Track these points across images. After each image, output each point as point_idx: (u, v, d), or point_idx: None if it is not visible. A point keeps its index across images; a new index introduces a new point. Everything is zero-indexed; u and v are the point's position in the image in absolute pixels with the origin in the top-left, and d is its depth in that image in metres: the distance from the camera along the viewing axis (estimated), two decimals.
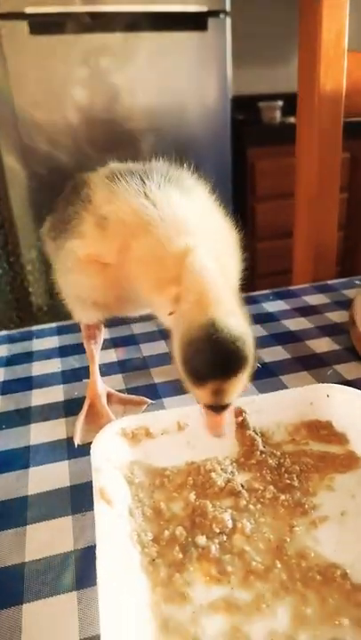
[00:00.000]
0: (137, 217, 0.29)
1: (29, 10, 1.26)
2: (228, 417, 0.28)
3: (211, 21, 1.37)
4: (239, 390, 0.27)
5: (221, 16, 1.38)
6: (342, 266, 1.64)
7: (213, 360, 0.25)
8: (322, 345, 0.46)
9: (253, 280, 1.80)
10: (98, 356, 0.40)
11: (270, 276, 1.77)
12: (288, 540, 0.26)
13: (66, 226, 0.33)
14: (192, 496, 0.29)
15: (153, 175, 0.31)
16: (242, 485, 0.29)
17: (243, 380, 0.26)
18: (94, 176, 0.34)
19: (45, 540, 0.28)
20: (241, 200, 1.71)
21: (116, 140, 1.39)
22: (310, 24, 0.51)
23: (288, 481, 0.29)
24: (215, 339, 0.25)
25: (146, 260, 0.29)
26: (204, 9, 1.35)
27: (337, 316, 0.51)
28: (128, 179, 0.31)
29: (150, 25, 1.34)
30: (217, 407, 0.27)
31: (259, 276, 1.78)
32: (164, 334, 0.49)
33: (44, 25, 1.28)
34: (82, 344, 0.48)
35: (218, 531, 0.26)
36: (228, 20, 1.40)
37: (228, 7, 1.38)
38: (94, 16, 1.29)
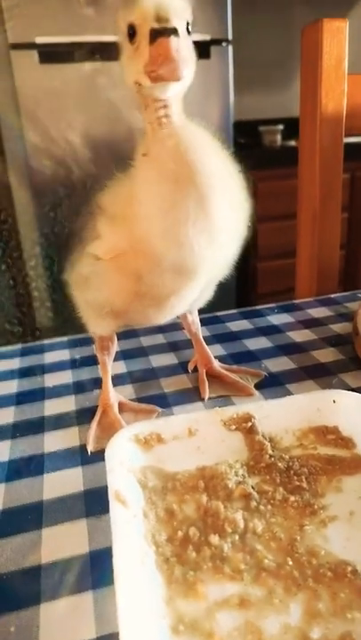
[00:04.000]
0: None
1: (39, 40, 1.31)
2: (179, 47, 0.27)
3: (214, 49, 1.42)
4: (179, 5, 0.28)
5: (224, 44, 1.43)
6: (344, 284, 1.65)
7: None
8: (327, 355, 0.46)
9: (255, 299, 1.81)
10: (110, 366, 0.42)
11: (272, 296, 1.79)
12: (299, 538, 0.27)
13: (82, 238, 0.35)
14: (204, 498, 0.29)
15: None
16: (252, 487, 0.30)
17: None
18: (103, 191, 0.35)
19: (61, 542, 0.29)
20: None
21: (120, 162, 1.43)
22: (311, 49, 0.54)
23: (297, 483, 0.30)
24: None
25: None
26: (207, 38, 1.40)
27: (341, 328, 0.52)
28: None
29: None
30: (163, 30, 0.27)
31: (260, 295, 1.80)
32: (172, 346, 0.50)
33: (54, 54, 1.33)
34: (93, 357, 0.49)
35: (230, 530, 0.27)
36: (231, 49, 1.45)
37: (230, 36, 1.43)
38: (101, 45, 1.34)
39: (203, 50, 1.41)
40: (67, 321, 0.41)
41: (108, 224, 0.33)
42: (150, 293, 0.34)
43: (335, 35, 0.52)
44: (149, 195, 0.30)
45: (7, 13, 1.29)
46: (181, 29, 0.28)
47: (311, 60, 0.54)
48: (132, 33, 0.29)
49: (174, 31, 0.27)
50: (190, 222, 0.29)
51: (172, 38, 0.27)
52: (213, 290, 0.40)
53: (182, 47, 0.27)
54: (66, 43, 1.34)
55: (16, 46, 1.31)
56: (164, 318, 0.38)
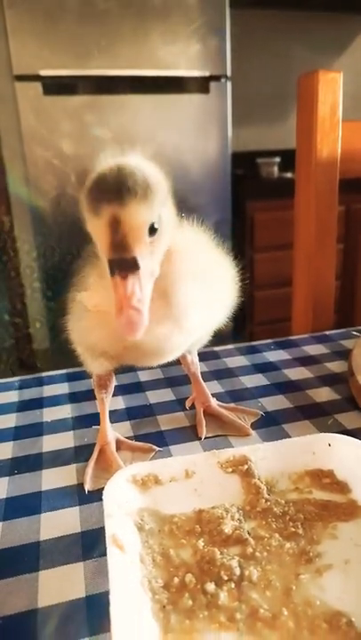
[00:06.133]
0: None
1: (44, 72, 1.35)
2: (135, 291, 0.27)
3: (213, 85, 1.46)
4: (138, 224, 0.27)
5: (223, 80, 1.47)
6: (339, 313, 1.67)
7: (107, 184, 0.27)
8: (322, 394, 0.47)
9: (252, 327, 1.83)
10: (108, 404, 0.42)
11: (268, 324, 1.81)
12: (294, 587, 0.27)
13: (76, 280, 0.36)
14: (200, 543, 0.30)
15: None
16: (248, 533, 0.30)
17: (141, 211, 0.27)
18: None
19: (58, 586, 0.29)
20: (240, 250, 1.77)
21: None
22: (307, 97, 0.56)
23: (293, 529, 0.30)
24: (112, 170, 0.27)
25: None
26: (206, 74, 1.44)
27: (336, 366, 0.53)
28: None
29: (157, 87, 1.43)
30: (121, 263, 0.27)
31: (257, 323, 1.81)
32: (170, 382, 0.51)
33: (57, 86, 1.37)
34: (91, 390, 0.49)
35: (226, 578, 0.27)
36: (229, 84, 1.49)
37: (229, 72, 1.48)
38: (105, 79, 1.38)
39: (202, 85, 1.46)
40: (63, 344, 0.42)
41: (97, 279, 0.33)
42: (136, 347, 0.35)
43: (330, 84, 0.55)
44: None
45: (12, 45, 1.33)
46: (142, 250, 0.27)
47: (307, 107, 0.56)
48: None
49: (133, 264, 0.27)
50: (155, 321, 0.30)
51: (129, 282, 0.27)
52: (210, 336, 0.41)
53: (137, 286, 0.27)
54: (71, 75, 1.38)
55: (19, 78, 1.35)
56: (158, 363, 0.39)
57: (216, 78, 1.46)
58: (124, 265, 0.27)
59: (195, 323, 0.34)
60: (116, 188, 0.27)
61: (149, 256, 0.28)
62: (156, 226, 0.28)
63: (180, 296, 0.32)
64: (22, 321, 1.53)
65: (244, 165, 1.85)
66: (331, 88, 0.55)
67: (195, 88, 1.45)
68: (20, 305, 1.51)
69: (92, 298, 0.34)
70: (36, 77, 1.34)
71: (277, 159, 1.82)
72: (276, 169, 1.82)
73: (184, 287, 0.32)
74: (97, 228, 0.27)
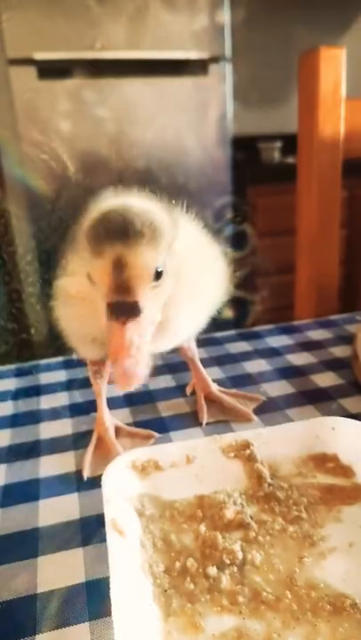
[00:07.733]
0: None
1: (38, 56, 1.33)
2: (134, 339, 0.25)
3: (212, 67, 1.43)
4: (144, 266, 0.26)
5: (222, 62, 1.45)
6: (343, 301, 1.66)
7: (113, 223, 0.26)
8: (326, 379, 0.46)
9: (254, 316, 1.82)
10: (104, 390, 0.41)
11: (271, 312, 1.80)
12: (298, 570, 0.26)
13: (59, 264, 0.35)
14: (202, 528, 0.29)
15: None
16: (251, 517, 0.30)
17: (147, 253, 0.26)
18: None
19: (57, 571, 0.28)
20: (241, 237, 1.75)
21: (118, 180, 1.44)
22: (309, 75, 0.55)
23: (296, 513, 0.30)
24: (117, 210, 0.26)
25: None
26: (205, 56, 1.42)
27: (340, 351, 0.52)
28: None
29: (153, 70, 1.40)
30: (121, 307, 0.26)
31: (259, 311, 1.80)
32: (169, 368, 0.50)
33: (53, 70, 1.34)
34: (89, 377, 0.49)
35: (228, 562, 0.27)
36: (229, 66, 1.47)
37: (228, 53, 1.45)
38: (101, 62, 1.35)
39: (201, 67, 1.43)
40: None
41: (79, 265, 0.31)
42: None
43: (332, 61, 0.53)
44: None
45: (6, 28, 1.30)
46: (145, 294, 0.26)
47: (308, 86, 0.55)
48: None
49: (134, 309, 0.26)
50: None
51: (128, 329, 0.25)
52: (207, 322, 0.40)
53: (137, 333, 0.26)
54: (65, 59, 1.35)
55: (13, 62, 1.32)
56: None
57: (215, 60, 1.43)
58: (125, 309, 0.26)
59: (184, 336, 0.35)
60: (122, 228, 0.26)
61: (152, 302, 0.27)
62: (160, 269, 0.27)
63: (170, 322, 0.32)
64: (17, 327, 1.51)
65: (244, 150, 1.82)
66: (333, 64, 0.53)
67: (193, 70, 1.42)
68: (16, 310, 1.50)
69: (75, 284, 0.33)
70: (31, 61, 1.31)
71: (279, 144, 1.80)
72: (277, 153, 1.80)
73: (175, 314, 0.32)
74: (99, 268, 0.26)
